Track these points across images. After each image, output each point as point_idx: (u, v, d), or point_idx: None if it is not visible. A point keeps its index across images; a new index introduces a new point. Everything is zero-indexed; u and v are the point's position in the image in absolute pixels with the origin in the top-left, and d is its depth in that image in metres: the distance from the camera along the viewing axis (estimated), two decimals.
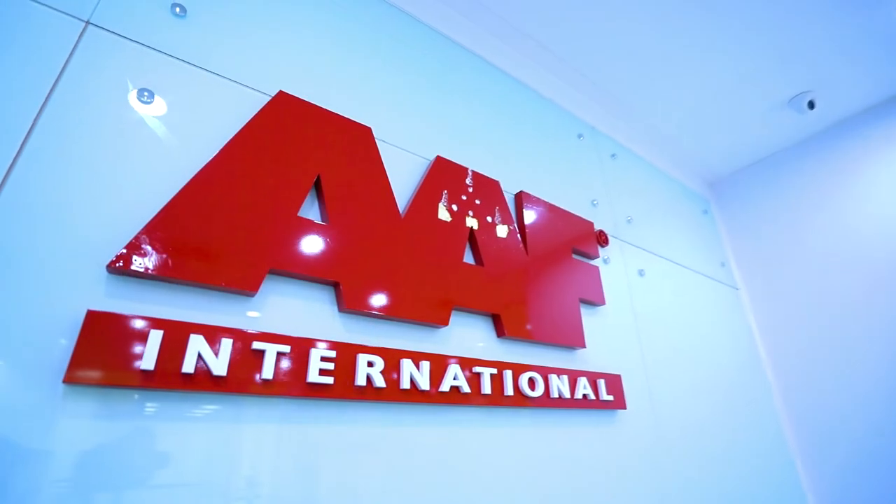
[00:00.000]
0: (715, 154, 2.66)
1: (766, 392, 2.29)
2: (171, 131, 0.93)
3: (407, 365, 1.01)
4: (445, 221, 1.27)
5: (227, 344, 0.80)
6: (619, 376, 1.51)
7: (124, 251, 0.76)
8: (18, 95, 0.79)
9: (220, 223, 0.88)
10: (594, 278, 1.63)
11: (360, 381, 0.93)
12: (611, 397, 1.42)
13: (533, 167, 1.72)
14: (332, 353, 0.92)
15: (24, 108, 0.79)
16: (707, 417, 1.86)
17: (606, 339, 1.59)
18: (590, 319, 1.56)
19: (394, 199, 1.18)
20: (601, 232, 1.80)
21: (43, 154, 0.78)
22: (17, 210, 0.73)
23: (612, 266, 1.80)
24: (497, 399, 1.15)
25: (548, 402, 1.26)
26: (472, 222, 1.33)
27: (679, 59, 1.97)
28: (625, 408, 1.47)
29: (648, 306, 1.87)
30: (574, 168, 1.92)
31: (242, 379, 0.80)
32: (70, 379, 0.66)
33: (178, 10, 1.04)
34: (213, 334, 0.80)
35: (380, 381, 0.95)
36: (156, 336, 0.74)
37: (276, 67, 1.14)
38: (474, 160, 1.48)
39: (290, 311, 0.94)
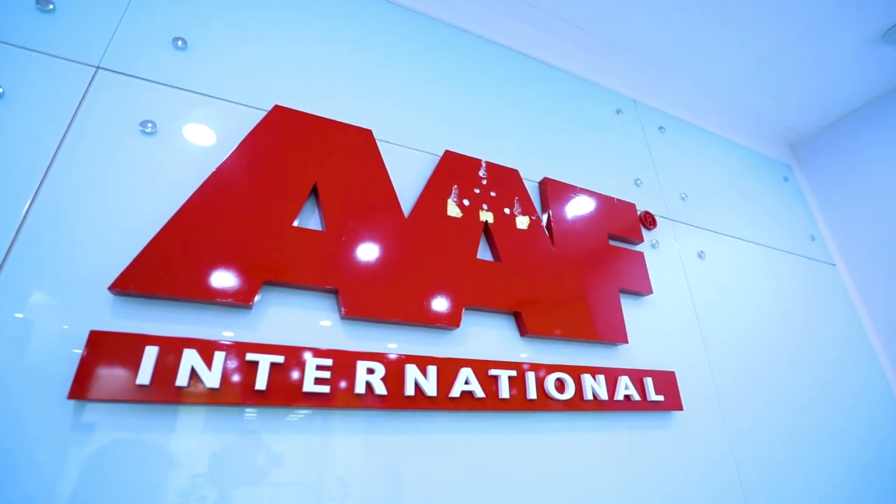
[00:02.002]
0: (794, 110, 2.29)
1: (882, 386, 1.91)
2: (173, 157, 0.99)
3: (411, 370, 0.97)
4: (455, 218, 1.21)
5: (219, 357, 0.82)
6: (672, 373, 1.34)
7: (125, 273, 0.81)
8: (37, 140, 0.88)
9: (215, 240, 0.90)
10: (638, 265, 1.47)
11: (360, 388, 0.91)
12: (660, 397, 1.26)
13: (562, 151, 1.60)
14: (329, 362, 0.90)
15: (42, 151, 0.88)
16: (798, 419, 1.59)
17: (656, 333, 1.42)
18: (634, 311, 1.41)
19: (396, 199, 1.15)
20: (646, 213, 1.62)
21: (58, 189, 0.86)
22: (34, 242, 0.80)
23: (662, 250, 1.61)
24: (519, 403, 1.06)
25: (581, 404, 1.15)
26: (486, 216, 1.26)
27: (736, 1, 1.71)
28: (681, 409, 1.30)
29: (711, 292, 1.65)
30: (612, 147, 1.75)
31: (238, 391, 0.82)
32: (74, 395, 0.71)
33: (179, 42, 1.10)
34: (205, 348, 0.82)
35: (380, 389, 0.92)
36: (151, 352, 0.77)
37: (272, 83, 1.17)
38: (490, 151, 1.40)
39: (287, 321, 0.95)
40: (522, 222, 1.31)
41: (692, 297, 1.59)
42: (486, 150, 1.39)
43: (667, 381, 1.31)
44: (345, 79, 1.28)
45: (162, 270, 0.84)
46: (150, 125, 0.99)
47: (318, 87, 1.22)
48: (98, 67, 1.00)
